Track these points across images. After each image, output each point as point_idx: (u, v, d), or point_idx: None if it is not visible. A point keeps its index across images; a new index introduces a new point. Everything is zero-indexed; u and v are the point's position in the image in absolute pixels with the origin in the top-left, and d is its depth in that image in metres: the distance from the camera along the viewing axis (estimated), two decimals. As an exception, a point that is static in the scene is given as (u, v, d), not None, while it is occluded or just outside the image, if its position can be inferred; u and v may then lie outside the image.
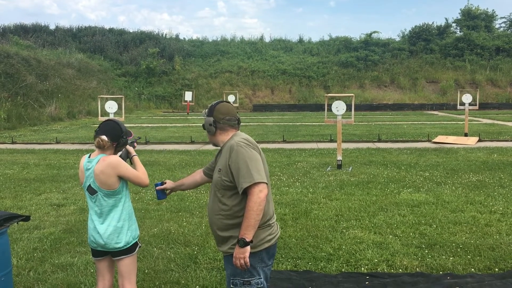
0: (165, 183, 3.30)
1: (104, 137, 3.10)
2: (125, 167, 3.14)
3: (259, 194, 2.56)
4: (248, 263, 2.61)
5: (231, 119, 2.83)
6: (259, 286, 2.71)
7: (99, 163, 3.09)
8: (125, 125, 3.32)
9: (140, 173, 3.21)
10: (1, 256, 3.33)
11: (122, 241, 3.14)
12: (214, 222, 2.78)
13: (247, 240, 2.57)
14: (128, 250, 3.17)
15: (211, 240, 5.20)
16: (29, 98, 23.29)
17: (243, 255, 2.59)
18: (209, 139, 2.93)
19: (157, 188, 3.28)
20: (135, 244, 3.23)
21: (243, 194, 2.62)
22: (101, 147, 3.12)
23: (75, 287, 4.17)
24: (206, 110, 2.87)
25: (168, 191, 3.34)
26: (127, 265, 3.19)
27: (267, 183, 2.63)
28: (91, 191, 3.13)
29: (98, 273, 3.32)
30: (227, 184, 2.69)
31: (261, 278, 2.72)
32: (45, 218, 6.30)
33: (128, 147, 3.33)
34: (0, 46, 26.85)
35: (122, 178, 3.15)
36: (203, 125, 2.87)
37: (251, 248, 2.62)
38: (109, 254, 3.22)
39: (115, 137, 3.14)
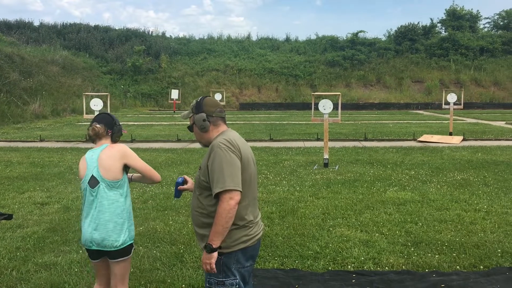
0: (187, 182, 3.06)
1: (98, 124, 3.12)
2: (135, 157, 3.13)
3: (229, 202, 2.47)
4: (214, 269, 2.55)
5: (222, 111, 2.75)
6: (234, 287, 2.62)
7: (106, 149, 3.08)
8: None
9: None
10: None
11: (120, 239, 3.06)
12: (193, 218, 2.74)
13: (214, 246, 2.51)
14: (124, 252, 3.11)
15: (197, 238, 5.16)
16: (12, 95, 22.94)
17: (209, 260, 2.54)
18: (199, 138, 2.75)
19: (179, 187, 3.03)
20: (131, 246, 3.17)
21: (216, 197, 2.53)
22: (97, 135, 3.12)
23: (59, 286, 4.10)
24: (193, 108, 2.72)
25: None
26: (123, 267, 3.14)
27: (240, 191, 2.51)
28: (93, 182, 3.04)
29: (96, 273, 3.27)
30: (204, 184, 2.61)
31: (236, 279, 2.63)
32: (28, 217, 6.20)
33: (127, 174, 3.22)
34: (-18, 42, 26.42)
35: (125, 172, 3.11)
36: (189, 127, 2.76)
37: (225, 248, 2.56)
38: (105, 255, 3.13)
39: (109, 124, 3.16)
